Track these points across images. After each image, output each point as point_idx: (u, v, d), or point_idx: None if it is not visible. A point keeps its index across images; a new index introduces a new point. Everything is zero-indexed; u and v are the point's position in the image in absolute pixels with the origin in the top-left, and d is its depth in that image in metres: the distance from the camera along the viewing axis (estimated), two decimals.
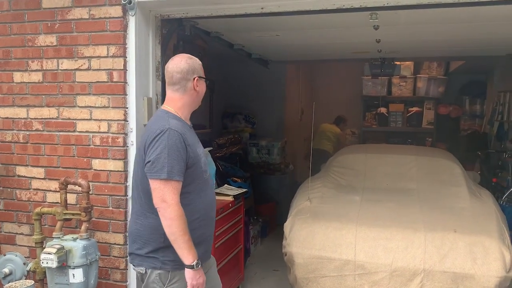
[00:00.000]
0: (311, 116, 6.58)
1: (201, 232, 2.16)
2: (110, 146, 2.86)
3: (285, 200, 6.42)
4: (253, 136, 6.64)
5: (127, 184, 2.87)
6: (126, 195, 2.87)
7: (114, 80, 2.82)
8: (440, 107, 8.00)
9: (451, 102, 8.08)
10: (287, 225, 3.71)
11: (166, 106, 2.19)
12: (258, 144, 6.32)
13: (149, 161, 2.03)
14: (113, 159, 2.86)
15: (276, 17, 3.13)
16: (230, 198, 3.76)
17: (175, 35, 3.83)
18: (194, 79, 2.16)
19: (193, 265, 2.02)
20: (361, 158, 4.61)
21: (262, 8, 2.79)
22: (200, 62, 2.22)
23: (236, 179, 5.11)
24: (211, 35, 3.84)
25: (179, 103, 2.17)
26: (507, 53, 4.70)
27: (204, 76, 2.21)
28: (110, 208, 2.89)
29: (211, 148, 4.30)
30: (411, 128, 8.07)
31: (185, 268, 2.04)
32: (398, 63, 6.04)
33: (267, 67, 5.70)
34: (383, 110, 8.15)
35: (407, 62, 7.65)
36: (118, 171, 2.86)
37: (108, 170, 2.87)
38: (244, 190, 4.06)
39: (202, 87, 2.21)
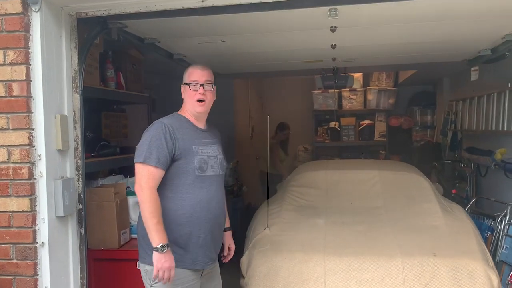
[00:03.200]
0: (263, 133, 6.17)
1: (188, 231, 2.24)
2: (11, 179, 2.20)
3: (240, 226, 5.89)
4: None
5: (36, 227, 2.21)
6: (35, 242, 2.21)
7: (14, 94, 2.19)
8: (392, 119, 7.87)
9: (402, 113, 7.99)
10: (244, 261, 3.17)
11: (180, 110, 2.45)
12: None
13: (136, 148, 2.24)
14: (15, 196, 2.20)
15: (220, 16, 2.65)
16: None
17: (101, 41, 3.24)
18: (181, 87, 2.41)
19: (158, 247, 2.10)
20: (321, 175, 4.18)
21: (202, 1, 2.29)
22: (190, 69, 2.41)
23: None
24: (145, 42, 3.28)
25: (184, 107, 2.42)
26: (464, 59, 4.49)
27: (187, 82, 2.36)
28: (14, 261, 2.21)
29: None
30: (364, 142, 7.88)
31: (153, 251, 2.12)
32: (351, 74, 5.75)
33: None
34: (334, 124, 7.90)
35: (356, 74, 7.46)
36: (23, 211, 2.20)
37: (9, 211, 2.20)
38: None
39: (185, 93, 2.38)
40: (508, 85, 4.46)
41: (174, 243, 2.21)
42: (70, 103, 2.41)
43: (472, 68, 4.55)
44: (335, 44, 3.63)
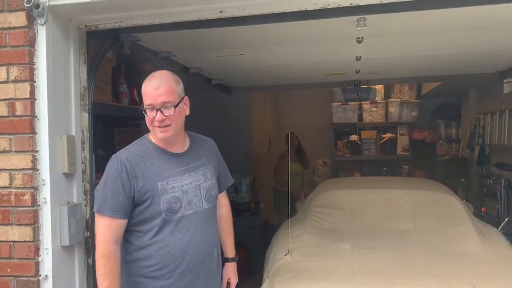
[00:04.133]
0: (280, 146, 5.96)
1: (161, 285, 1.88)
2: (12, 206, 2.02)
3: (257, 245, 5.65)
4: None
5: (40, 259, 2.03)
6: (38, 274, 2.02)
7: (17, 113, 2.02)
8: (415, 132, 7.59)
9: (425, 126, 7.70)
10: None
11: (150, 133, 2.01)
12: None
13: None
14: (17, 224, 2.02)
15: (239, 28, 2.46)
16: None
17: (114, 55, 3.08)
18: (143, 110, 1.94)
19: None
20: (345, 195, 3.93)
21: (220, 12, 2.10)
22: (143, 87, 1.90)
23: None
24: (159, 56, 3.11)
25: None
26: (496, 70, 4.23)
27: (142, 107, 1.89)
28: None
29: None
30: (386, 156, 7.62)
31: None
32: (373, 86, 5.51)
33: (230, 94, 5.01)
34: (355, 137, 7.65)
35: (377, 86, 7.23)
36: (25, 241, 2.02)
37: (10, 241, 2.02)
38: None
39: (147, 119, 1.90)
40: None
41: None
42: (78, 122, 2.23)
43: (505, 80, 4.28)
44: (360, 56, 3.42)
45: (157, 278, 1.87)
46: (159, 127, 1.85)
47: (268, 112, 7.53)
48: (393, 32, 2.73)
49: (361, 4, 2.01)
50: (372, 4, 2.04)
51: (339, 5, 2.01)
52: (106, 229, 1.80)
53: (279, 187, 5.81)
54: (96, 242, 1.83)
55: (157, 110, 1.83)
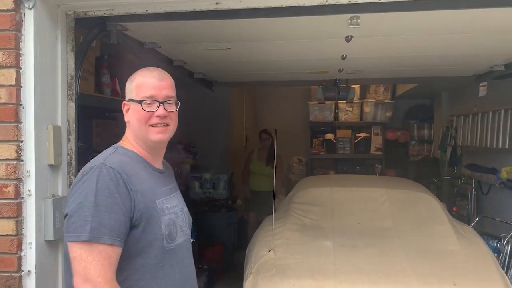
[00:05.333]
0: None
1: None
2: None
3: (233, 241, 5.64)
4: (195, 168, 5.80)
5: (22, 253, 1.94)
6: (20, 270, 1.93)
7: (1, 101, 1.91)
8: (388, 132, 7.74)
9: (398, 127, 7.86)
10: (247, 286, 2.92)
11: (122, 141, 1.65)
12: (201, 177, 5.52)
13: (66, 215, 1.44)
14: None
15: (229, 22, 2.43)
16: None
17: (98, 44, 2.99)
18: (123, 104, 1.63)
19: None
20: (325, 192, 3.96)
21: (217, 4, 2.06)
22: (139, 77, 1.61)
23: None
24: (144, 47, 3.03)
25: (128, 137, 1.63)
26: (473, 74, 4.36)
27: (136, 99, 1.57)
28: None
29: None
30: (360, 155, 7.76)
31: None
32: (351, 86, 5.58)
33: (212, 89, 4.96)
34: (330, 136, 7.74)
35: (353, 86, 7.33)
36: (7, 235, 1.92)
37: None
38: (191, 240, 3.21)
39: (133, 115, 1.58)
40: None
41: None
42: (64, 112, 2.14)
43: (480, 84, 4.41)
44: (346, 55, 3.44)
45: None
46: (156, 126, 1.56)
47: (246, 109, 7.51)
48: (383, 32, 2.76)
49: (358, 2, 2.02)
50: (368, 3, 2.05)
51: (337, 2, 2.01)
52: (106, 263, 1.35)
53: (251, 187, 5.77)
54: (88, 287, 1.34)
55: (159, 103, 1.55)
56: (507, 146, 4.61)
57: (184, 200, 5.03)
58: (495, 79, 4.26)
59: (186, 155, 5.76)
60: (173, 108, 1.60)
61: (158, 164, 1.66)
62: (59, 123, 2.12)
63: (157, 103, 1.56)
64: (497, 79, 4.22)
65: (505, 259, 4.08)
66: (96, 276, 1.34)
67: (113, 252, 1.38)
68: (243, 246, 5.10)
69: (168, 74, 1.65)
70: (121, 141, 1.63)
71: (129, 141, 1.61)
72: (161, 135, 1.58)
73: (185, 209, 1.69)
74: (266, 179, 5.42)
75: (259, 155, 5.77)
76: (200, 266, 4.71)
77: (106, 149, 1.59)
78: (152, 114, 1.56)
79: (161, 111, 1.56)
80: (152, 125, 1.56)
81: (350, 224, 3.62)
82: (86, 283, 1.35)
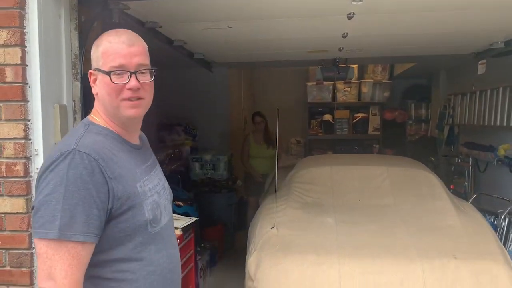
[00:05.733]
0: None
1: None
2: (4, 177, 1.94)
3: (234, 221, 5.70)
4: (195, 150, 5.83)
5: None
6: (31, 247, 1.96)
7: (7, 80, 1.92)
8: (386, 113, 7.77)
9: (396, 107, 7.88)
10: (251, 262, 2.97)
11: (92, 115, 1.42)
12: (201, 158, 5.53)
13: (33, 207, 1.26)
14: (9, 196, 1.94)
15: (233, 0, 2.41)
16: (179, 232, 2.95)
17: (100, 24, 2.96)
18: (89, 74, 1.40)
19: None
20: (326, 171, 4.00)
21: None
22: (106, 41, 1.35)
23: (179, 203, 4.27)
24: (145, 26, 3.02)
25: (99, 111, 1.41)
26: (472, 51, 4.36)
27: (104, 69, 1.33)
28: (7, 268, 1.96)
29: None
30: (358, 135, 7.80)
31: None
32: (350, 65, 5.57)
33: (211, 70, 4.95)
34: (328, 117, 7.77)
35: (352, 66, 7.32)
36: (18, 213, 1.95)
37: (1, 213, 1.95)
38: (194, 219, 3.27)
39: (101, 86, 1.35)
40: None
41: None
42: (69, 91, 2.15)
43: (479, 62, 4.42)
44: (347, 33, 3.44)
45: None
46: (129, 100, 1.35)
47: (244, 91, 7.50)
48: (385, 8, 2.75)
49: None
50: None
51: None
52: (75, 263, 1.20)
53: (247, 170, 5.70)
54: (51, 285, 1.20)
55: (131, 74, 1.33)
56: (504, 124, 4.65)
57: (185, 181, 5.08)
58: (494, 56, 4.27)
59: (186, 136, 5.78)
60: (147, 78, 1.38)
61: (135, 139, 1.47)
62: (65, 102, 2.12)
63: (128, 74, 1.33)
64: (496, 56, 4.24)
65: (502, 234, 4.17)
66: (61, 277, 1.19)
67: (84, 250, 1.22)
68: (243, 227, 5.18)
69: (140, 38, 1.41)
70: (90, 115, 1.42)
71: (100, 116, 1.39)
72: (135, 110, 1.37)
73: (166, 184, 1.55)
74: (267, 162, 5.45)
75: (256, 138, 5.68)
76: (202, 245, 4.78)
77: (76, 127, 1.42)
78: (123, 86, 1.34)
79: (133, 82, 1.34)
80: (124, 99, 1.35)
81: (351, 201, 3.67)
82: (49, 282, 1.20)
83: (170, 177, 4.97)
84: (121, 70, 1.32)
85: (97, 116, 1.40)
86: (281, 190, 4.00)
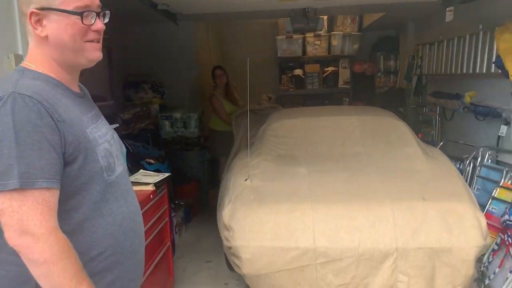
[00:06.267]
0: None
1: (113, 278, 1.31)
2: None
3: (207, 178, 5.70)
4: (164, 107, 5.69)
5: None
6: None
7: None
8: (355, 65, 7.78)
9: (365, 59, 7.88)
10: (226, 214, 2.99)
11: (25, 62, 1.30)
12: (171, 116, 5.42)
13: None
14: None
15: None
16: (151, 187, 2.91)
17: None
18: (29, 14, 1.24)
19: None
20: (298, 123, 4.00)
21: None
22: None
23: (150, 160, 4.21)
24: None
25: (37, 56, 1.29)
26: None
27: (68, 9, 1.23)
28: None
29: (117, 125, 3.35)
30: (328, 89, 7.85)
31: None
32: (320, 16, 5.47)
33: (176, 23, 4.76)
34: (299, 72, 7.73)
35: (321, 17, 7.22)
36: None
37: None
38: (166, 174, 3.23)
39: (60, 28, 1.24)
40: (480, 27, 4.40)
41: None
42: (24, 40, 2.01)
43: (447, 8, 4.42)
44: None
45: (108, 271, 1.30)
46: (93, 41, 1.30)
47: (213, 45, 7.31)
48: None
49: None
50: None
51: None
52: (46, 211, 1.13)
53: (216, 128, 5.45)
54: (31, 242, 1.11)
55: (97, 15, 1.29)
56: (471, 71, 4.73)
57: (155, 140, 4.95)
58: (461, 2, 4.27)
59: (154, 94, 5.63)
60: (106, 20, 1.34)
61: (76, 87, 1.38)
62: (20, 52, 1.99)
63: (94, 14, 1.28)
64: (463, 2, 4.24)
65: (467, 178, 4.34)
66: (37, 228, 1.11)
67: (52, 197, 1.15)
68: (217, 185, 5.14)
69: None
70: (23, 62, 1.31)
71: (39, 62, 1.28)
72: (99, 53, 1.33)
73: (115, 135, 1.49)
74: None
75: (219, 94, 5.43)
76: (176, 202, 4.78)
77: (8, 75, 1.32)
78: (88, 28, 1.27)
79: (99, 24, 1.30)
80: (88, 41, 1.29)
81: (323, 151, 3.71)
82: (25, 237, 1.10)
83: (140, 136, 4.89)
84: (88, 10, 1.26)
85: (34, 63, 1.28)
86: (253, 144, 4.00)
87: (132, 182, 2.89)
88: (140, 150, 4.36)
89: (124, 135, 4.43)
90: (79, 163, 1.22)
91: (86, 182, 1.24)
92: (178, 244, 4.46)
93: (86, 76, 1.49)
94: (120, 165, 1.41)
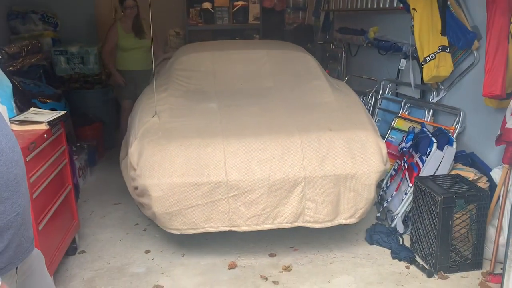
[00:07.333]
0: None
1: None
2: None
3: (112, 118, 5.36)
4: (58, 41, 5.12)
5: None
6: None
7: None
8: (265, 1, 7.60)
9: None
10: (133, 152, 2.83)
11: None
12: (66, 51, 4.86)
13: None
14: None
15: None
16: (44, 127, 2.62)
17: None
18: None
19: None
20: (207, 57, 3.84)
21: None
22: None
23: (44, 99, 3.80)
24: None
25: None
26: None
27: None
28: None
29: None
30: (238, 25, 7.60)
31: None
32: None
33: None
34: (207, 5, 7.37)
35: None
36: None
37: None
38: (62, 112, 2.93)
39: None
40: None
41: None
42: None
43: None
44: None
45: None
46: None
47: None
48: None
49: None
50: None
51: None
52: None
53: (121, 67, 4.89)
54: None
55: None
56: (375, 6, 4.85)
57: (49, 77, 4.42)
58: None
59: (45, 26, 5.01)
60: None
61: None
62: None
63: None
64: None
65: (370, 110, 4.57)
66: None
67: None
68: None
69: None
70: None
71: None
72: None
73: None
74: (143, 55, 4.77)
75: (124, 26, 4.82)
76: (78, 145, 4.44)
77: None
78: None
79: None
80: None
81: (233, 86, 3.62)
82: None
83: (30, 72, 4.38)
84: None
85: None
86: (161, 79, 3.77)
87: (21, 120, 2.62)
88: (32, 88, 3.90)
89: (12, 71, 3.92)
90: None
91: None
92: (84, 188, 4.21)
93: None
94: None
